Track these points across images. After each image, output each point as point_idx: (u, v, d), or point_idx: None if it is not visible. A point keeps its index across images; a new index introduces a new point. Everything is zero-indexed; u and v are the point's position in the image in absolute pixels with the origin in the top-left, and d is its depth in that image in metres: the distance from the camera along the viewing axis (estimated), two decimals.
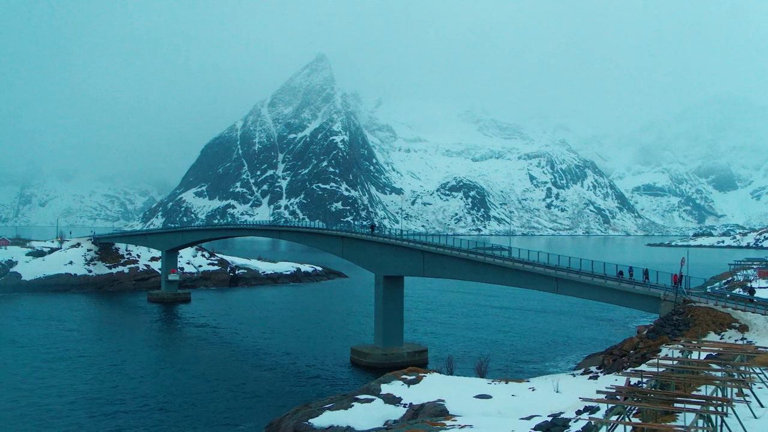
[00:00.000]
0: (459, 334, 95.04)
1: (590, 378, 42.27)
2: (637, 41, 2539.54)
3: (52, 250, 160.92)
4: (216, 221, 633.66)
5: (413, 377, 44.74)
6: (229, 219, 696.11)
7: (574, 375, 44.67)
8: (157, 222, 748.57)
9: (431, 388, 42.48)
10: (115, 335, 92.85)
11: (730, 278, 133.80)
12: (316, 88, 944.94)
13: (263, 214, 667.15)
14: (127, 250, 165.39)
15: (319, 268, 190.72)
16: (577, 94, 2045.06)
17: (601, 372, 42.93)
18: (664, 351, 40.86)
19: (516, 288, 66.21)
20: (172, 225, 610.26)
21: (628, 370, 40.25)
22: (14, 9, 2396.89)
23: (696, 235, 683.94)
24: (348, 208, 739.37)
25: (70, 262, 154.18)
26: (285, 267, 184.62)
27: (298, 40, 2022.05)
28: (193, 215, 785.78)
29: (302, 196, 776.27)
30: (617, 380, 40.50)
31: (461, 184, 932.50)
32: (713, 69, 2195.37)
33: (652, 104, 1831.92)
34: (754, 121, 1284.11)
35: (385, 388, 43.26)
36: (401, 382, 44.10)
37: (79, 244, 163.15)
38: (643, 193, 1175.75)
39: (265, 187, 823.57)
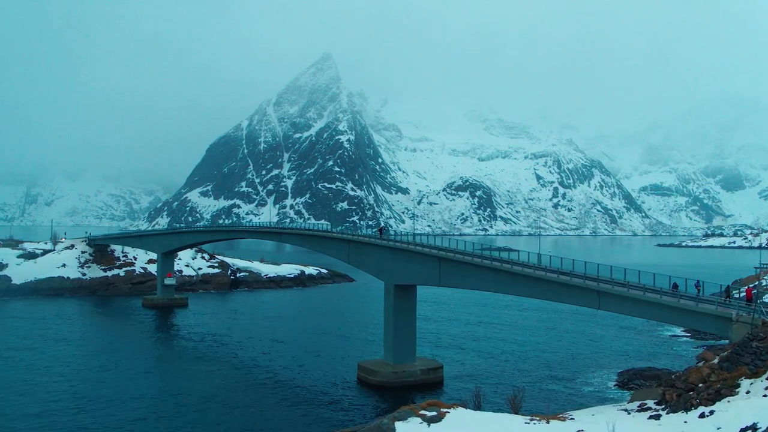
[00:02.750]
0: (475, 339, 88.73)
1: (651, 417, 34.80)
2: (644, 40, 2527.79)
3: (45, 252, 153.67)
4: (221, 221, 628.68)
5: (434, 413, 37.27)
6: (234, 219, 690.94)
7: (628, 411, 37.19)
8: (163, 222, 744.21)
9: (457, 428, 35.07)
10: (101, 346, 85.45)
11: (757, 282, 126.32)
12: (322, 88, 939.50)
13: (268, 213, 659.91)
14: (123, 252, 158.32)
15: (324, 271, 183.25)
16: (584, 93, 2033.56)
17: (662, 409, 35.39)
18: (744, 386, 33.37)
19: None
20: (177, 225, 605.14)
21: (701, 410, 32.73)
22: (20, 9, 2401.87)
23: (706, 236, 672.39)
24: (354, 207, 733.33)
25: (63, 265, 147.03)
26: (288, 269, 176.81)
27: (303, 39, 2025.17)
28: (198, 215, 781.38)
29: (308, 195, 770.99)
30: (687, 422, 33.06)
31: (467, 183, 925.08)
32: (720, 68, 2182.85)
33: (659, 103, 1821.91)
34: (761, 121, 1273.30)
35: (401, 428, 35.81)
36: (419, 420, 36.65)
37: (73, 246, 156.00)
38: (651, 193, 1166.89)
39: (270, 186, 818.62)
